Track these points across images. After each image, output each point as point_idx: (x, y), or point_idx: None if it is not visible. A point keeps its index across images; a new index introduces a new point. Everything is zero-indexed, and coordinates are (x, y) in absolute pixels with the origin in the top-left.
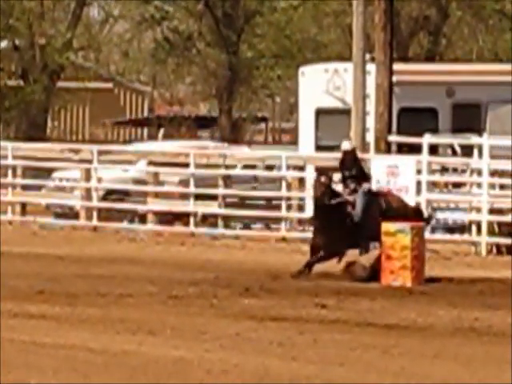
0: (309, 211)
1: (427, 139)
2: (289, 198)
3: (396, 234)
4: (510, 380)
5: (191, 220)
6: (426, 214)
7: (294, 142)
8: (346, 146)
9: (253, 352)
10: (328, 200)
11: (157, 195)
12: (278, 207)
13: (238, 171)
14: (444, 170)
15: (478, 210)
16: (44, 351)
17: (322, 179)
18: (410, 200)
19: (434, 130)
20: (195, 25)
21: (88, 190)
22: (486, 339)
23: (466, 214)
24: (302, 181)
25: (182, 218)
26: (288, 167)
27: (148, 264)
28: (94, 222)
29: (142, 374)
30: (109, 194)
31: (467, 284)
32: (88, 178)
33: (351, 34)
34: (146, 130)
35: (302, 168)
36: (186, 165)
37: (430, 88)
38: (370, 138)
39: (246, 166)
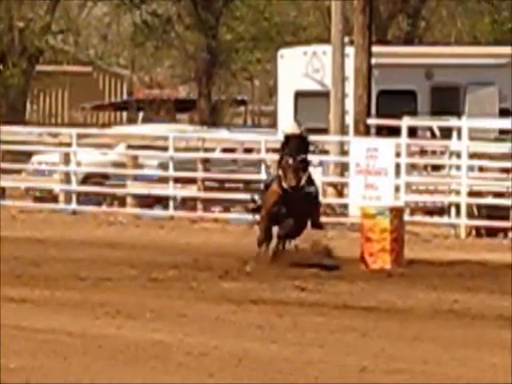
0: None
1: (406, 122)
2: None
3: (375, 217)
4: (488, 362)
5: (170, 203)
6: None
7: (274, 124)
8: (290, 129)
9: (232, 335)
10: (300, 184)
11: (136, 179)
12: (258, 190)
13: (217, 154)
14: (423, 152)
15: (457, 192)
16: (23, 335)
17: (290, 161)
18: (390, 182)
19: (413, 113)
20: (174, 8)
21: (67, 174)
22: (465, 321)
23: (445, 196)
24: None
25: (162, 201)
26: (267, 150)
27: (127, 247)
28: (73, 205)
29: (122, 358)
30: (88, 178)
31: (446, 266)
32: (67, 161)
33: (330, 16)
34: (125, 114)
35: None
36: (165, 148)
37: (409, 70)
38: (349, 120)
39: (225, 150)
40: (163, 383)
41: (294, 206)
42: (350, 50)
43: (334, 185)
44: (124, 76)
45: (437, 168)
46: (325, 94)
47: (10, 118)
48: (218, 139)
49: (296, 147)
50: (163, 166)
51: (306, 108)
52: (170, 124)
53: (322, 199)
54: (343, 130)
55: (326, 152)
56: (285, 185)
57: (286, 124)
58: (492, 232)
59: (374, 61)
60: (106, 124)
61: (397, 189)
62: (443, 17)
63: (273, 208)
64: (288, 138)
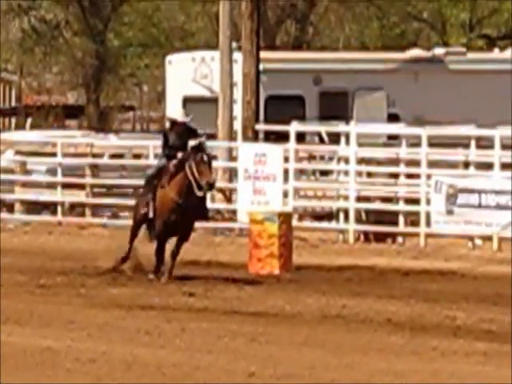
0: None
1: (294, 127)
2: None
3: (263, 222)
4: (376, 367)
5: (59, 209)
6: None
7: (162, 130)
8: (177, 115)
9: (121, 340)
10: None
11: (24, 185)
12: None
13: (105, 160)
14: (311, 157)
15: (346, 197)
16: None
17: (205, 158)
18: (278, 188)
19: (302, 118)
20: (62, 14)
21: None
22: (353, 326)
23: (333, 201)
24: None
25: (50, 207)
26: (155, 156)
27: (16, 253)
28: None
29: (10, 364)
30: None
31: (335, 271)
32: None
33: (218, 22)
34: (13, 120)
35: None
36: (54, 154)
37: (297, 76)
38: (238, 126)
39: (113, 155)
40: None
41: (187, 215)
42: (238, 56)
43: (222, 190)
44: (12, 82)
45: (325, 173)
46: (213, 100)
47: None
48: (106, 145)
49: (181, 136)
50: (51, 171)
51: (195, 114)
52: (58, 130)
53: (210, 205)
54: (231, 136)
55: (214, 157)
56: (202, 182)
57: (174, 110)
58: (380, 237)
59: (262, 66)
60: None
61: (285, 194)
62: (331, 22)
63: (170, 218)
64: (174, 125)
